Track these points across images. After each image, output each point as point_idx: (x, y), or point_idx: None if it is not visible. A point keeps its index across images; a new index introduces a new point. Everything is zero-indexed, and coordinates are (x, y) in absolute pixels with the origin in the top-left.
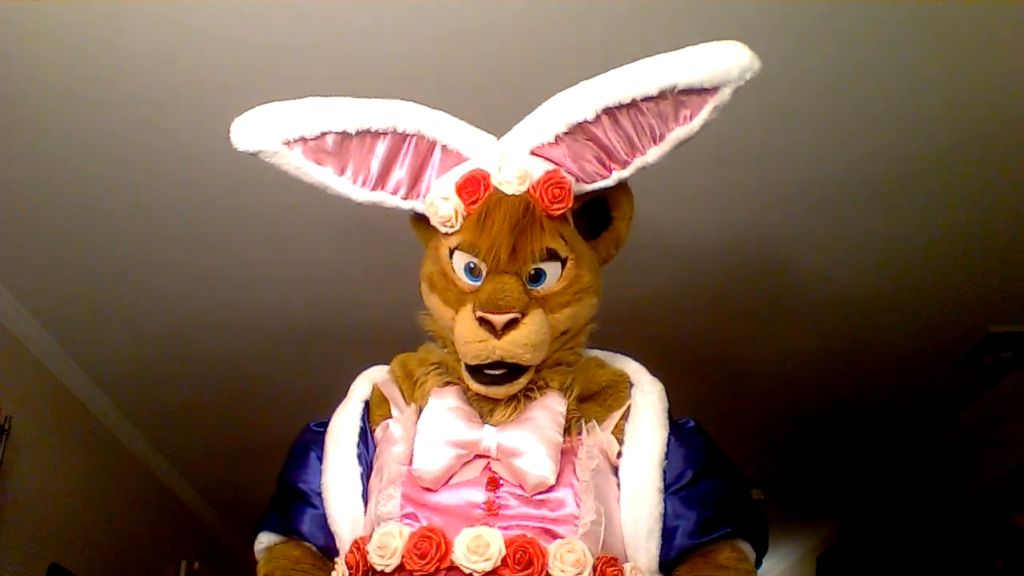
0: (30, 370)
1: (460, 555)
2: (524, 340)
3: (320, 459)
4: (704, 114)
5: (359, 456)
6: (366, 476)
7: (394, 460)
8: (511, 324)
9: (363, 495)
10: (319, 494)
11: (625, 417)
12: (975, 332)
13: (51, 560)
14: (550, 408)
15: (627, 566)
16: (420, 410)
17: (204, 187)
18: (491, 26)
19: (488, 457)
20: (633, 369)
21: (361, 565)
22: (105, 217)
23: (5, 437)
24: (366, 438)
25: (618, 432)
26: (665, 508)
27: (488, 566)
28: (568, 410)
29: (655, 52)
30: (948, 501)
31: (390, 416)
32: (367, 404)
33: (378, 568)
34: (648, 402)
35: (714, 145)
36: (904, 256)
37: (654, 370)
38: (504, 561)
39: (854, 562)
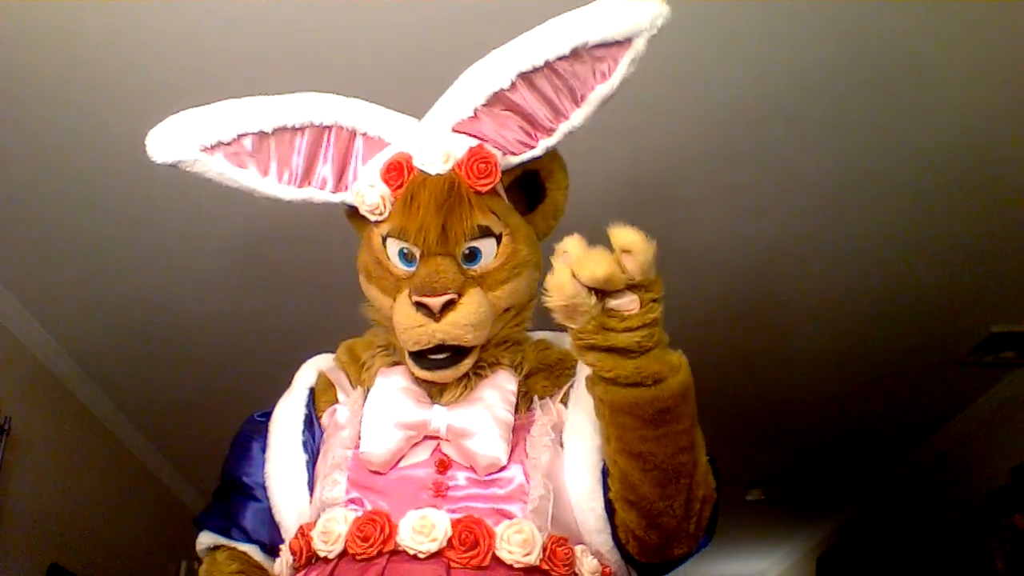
0: (30, 370)
1: (405, 536)
2: (464, 320)
3: (263, 450)
4: (622, 68)
5: (304, 444)
6: (312, 464)
7: (339, 444)
8: (448, 306)
9: (309, 483)
10: (263, 486)
11: (573, 387)
12: (976, 332)
13: (51, 560)
14: (500, 387)
15: (579, 548)
16: (367, 393)
17: (205, 187)
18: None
19: (438, 438)
20: None
21: (305, 551)
22: (105, 217)
23: (5, 437)
24: (312, 425)
25: (566, 401)
26: (605, 465)
27: (434, 547)
28: (518, 387)
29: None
30: (948, 501)
31: (337, 402)
32: (312, 391)
33: (321, 554)
34: None
35: (723, 146)
36: (905, 256)
37: None
38: (450, 542)
39: (854, 562)
